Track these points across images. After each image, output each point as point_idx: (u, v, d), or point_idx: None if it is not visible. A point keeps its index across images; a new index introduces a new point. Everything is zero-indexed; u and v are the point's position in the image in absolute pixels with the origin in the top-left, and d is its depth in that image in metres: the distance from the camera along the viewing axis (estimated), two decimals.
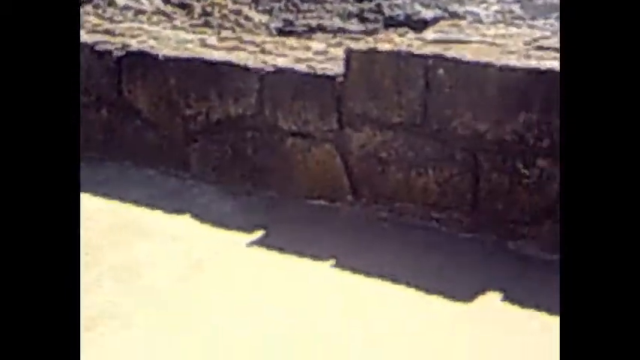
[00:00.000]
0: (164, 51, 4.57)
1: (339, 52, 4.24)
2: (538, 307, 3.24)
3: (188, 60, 4.49)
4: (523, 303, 3.27)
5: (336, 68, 4.12)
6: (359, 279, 3.50)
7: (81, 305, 3.27)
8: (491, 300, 3.32)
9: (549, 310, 3.20)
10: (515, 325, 3.17)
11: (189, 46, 4.63)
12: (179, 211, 4.14)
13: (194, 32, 4.76)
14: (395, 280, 3.46)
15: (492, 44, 3.93)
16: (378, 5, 4.95)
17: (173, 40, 4.69)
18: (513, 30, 4.31)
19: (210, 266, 3.66)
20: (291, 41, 4.57)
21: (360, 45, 4.14)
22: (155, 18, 5.15)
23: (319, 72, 4.14)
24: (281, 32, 4.70)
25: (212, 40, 4.68)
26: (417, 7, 5.05)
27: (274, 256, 3.71)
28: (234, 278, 3.57)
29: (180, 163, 4.52)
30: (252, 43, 4.61)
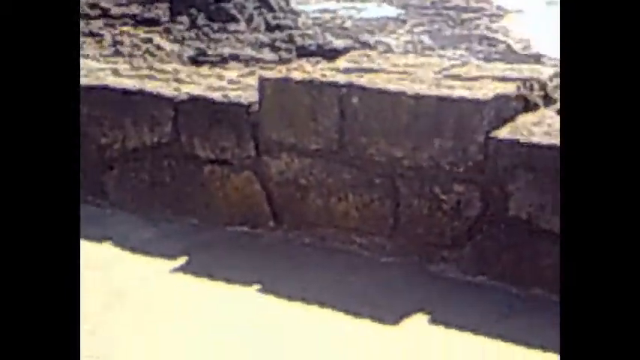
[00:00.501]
0: None
1: (253, 81, 4.30)
2: (464, 327, 3.31)
3: (100, 88, 4.48)
4: (449, 324, 3.35)
5: (250, 97, 4.20)
6: (284, 303, 3.54)
7: None
8: (418, 322, 3.39)
9: (475, 331, 3.28)
10: (440, 345, 3.25)
11: (101, 74, 4.62)
12: (99, 238, 4.11)
13: (105, 61, 4.77)
14: (320, 303, 3.51)
15: (403, 73, 4.05)
16: (290, 35, 5.02)
17: (84, 69, 4.68)
18: (423, 60, 4.46)
19: (134, 293, 3.65)
20: (205, 70, 4.62)
21: (274, 73, 4.22)
22: None
23: (234, 100, 4.20)
24: (194, 61, 4.74)
25: (124, 68, 4.70)
26: (329, 37, 5.14)
27: (198, 282, 3.72)
28: (159, 305, 3.57)
29: (98, 191, 4.51)
30: (165, 71, 4.63)
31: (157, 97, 4.33)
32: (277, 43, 4.97)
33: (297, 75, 4.07)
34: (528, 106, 3.80)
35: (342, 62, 4.25)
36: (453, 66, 4.18)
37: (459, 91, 3.75)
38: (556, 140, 3.46)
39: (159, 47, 4.92)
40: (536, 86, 3.85)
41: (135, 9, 5.93)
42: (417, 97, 3.77)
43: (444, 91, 3.76)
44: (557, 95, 3.86)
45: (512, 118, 3.71)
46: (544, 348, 3.14)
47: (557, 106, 3.78)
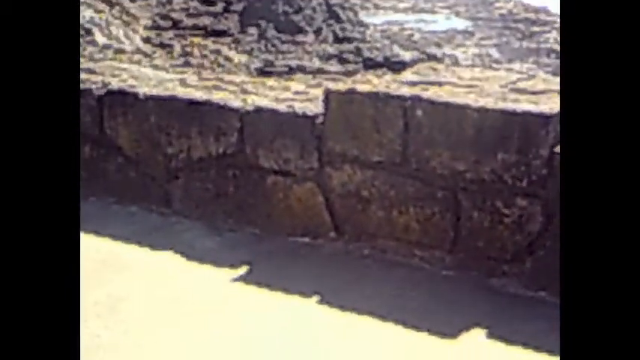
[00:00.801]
0: (144, 89, 4.64)
1: (319, 93, 4.32)
2: (524, 344, 3.29)
3: (168, 99, 4.55)
4: (508, 340, 3.33)
5: (315, 108, 4.22)
6: (345, 315, 3.55)
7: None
8: (476, 336, 3.38)
9: (535, 347, 3.26)
10: None
11: (170, 85, 4.70)
12: (163, 247, 4.18)
13: (174, 72, 4.83)
14: (379, 316, 3.51)
15: (469, 86, 4.03)
16: (357, 47, 5.04)
17: (153, 79, 4.76)
18: (490, 73, 4.44)
19: (193, 301, 3.69)
20: (271, 81, 4.65)
21: (339, 86, 4.23)
22: (135, 57, 5.21)
23: (299, 111, 4.23)
24: (261, 72, 4.78)
25: (192, 79, 4.76)
26: (396, 49, 5.15)
27: (258, 291, 3.75)
28: (218, 313, 3.60)
29: (163, 200, 4.58)
30: (232, 82, 4.68)
31: (224, 108, 4.38)
32: (344, 55, 4.99)
33: (362, 87, 4.08)
34: None
35: (408, 74, 4.26)
36: (519, 79, 4.15)
37: (525, 104, 3.73)
38: None
39: (227, 58, 4.98)
40: None
41: (205, 20, 6.00)
42: (482, 111, 3.75)
43: (510, 105, 3.74)
44: None
45: None
46: None
47: None
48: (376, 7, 9.89)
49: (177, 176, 4.54)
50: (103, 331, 3.47)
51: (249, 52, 4.97)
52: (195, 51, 5.06)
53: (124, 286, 3.83)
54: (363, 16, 7.35)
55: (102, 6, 5.22)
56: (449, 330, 3.41)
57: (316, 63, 4.81)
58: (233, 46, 5.09)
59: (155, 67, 4.97)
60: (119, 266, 4.01)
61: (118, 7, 5.29)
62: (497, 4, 9.84)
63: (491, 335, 3.38)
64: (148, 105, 4.56)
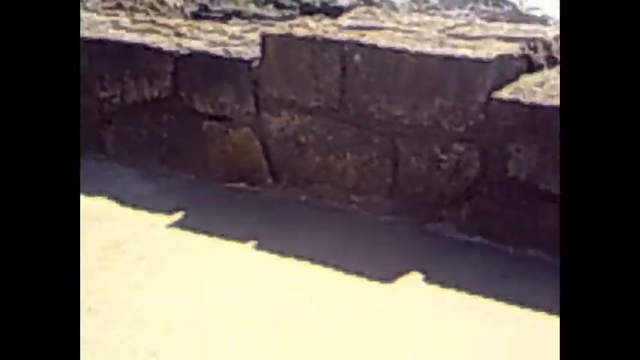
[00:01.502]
0: None
1: (255, 37, 4.26)
2: (459, 287, 3.31)
3: (101, 41, 4.45)
4: (445, 284, 3.34)
5: (251, 52, 4.16)
6: (282, 260, 3.54)
7: None
8: (414, 281, 3.39)
9: (470, 290, 3.28)
10: (436, 304, 3.24)
11: (102, 27, 4.59)
12: (96, 192, 4.11)
13: (106, 14, 4.73)
14: (316, 261, 3.50)
15: (407, 31, 4.01)
16: None
17: (85, 21, 4.64)
18: (428, 18, 4.41)
19: (130, 247, 3.65)
20: (207, 25, 4.58)
21: (276, 29, 4.18)
22: None
23: (235, 55, 4.17)
24: (196, 17, 4.70)
25: (125, 21, 4.66)
26: None
27: (195, 237, 3.72)
28: (155, 259, 3.56)
29: (96, 145, 4.50)
30: (166, 25, 4.59)
31: (158, 52, 4.30)
32: (281, 0, 4.92)
33: (299, 31, 4.03)
34: (532, 67, 3.76)
35: (345, 19, 4.21)
36: (457, 25, 4.13)
37: (463, 50, 3.71)
38: (558, 101, 3.42)
39: (161, 1, 4.88)
40: (540, 47, 3.81)
41: None
42: (420, 56, 3.73)
43: (447, 50, 3.72)
44: None
45: (514, 79, 3.67)
46: (537, 308, 3.15)
47: None
48: None
49: (111, 121, 4.46)
50: None
51: None
52: None
53: None
54: None
55: None
56: (387, 275, 3.41)
57: (252, 8, 4.75)
58: None
59: (86, 9, 4.86)
60: None
61: None
62: None
63: (429, 279, 3.39)
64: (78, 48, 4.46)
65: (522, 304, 3.19)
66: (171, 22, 4.63)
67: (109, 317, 3.16)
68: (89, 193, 4.07)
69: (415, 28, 4.03)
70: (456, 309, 3.21)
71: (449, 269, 3.45)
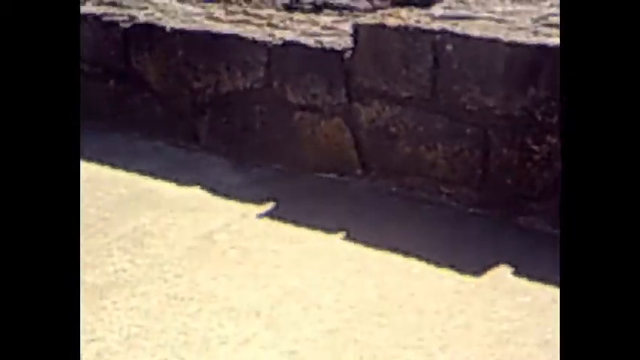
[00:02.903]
0: (171, 23, 4.60)
1: (347, 28, 4.26)
2: (547, 281, 3.27)
3: (195, 32, 4.51)
4: (533, 277, 3.31)
5: (343, 43, 4.15)
6: (370, 251, 3.54)
7: (91, 274, 3.38)
8: (502, 273, 3.36)
9: (558, 284, 3.20)
10: (525, 298, 3.20)
11: (197, 18, 4.65)
12: (189, 182, 4.18)
13: (201, 5, 4.79)
14: (405, 252, 3.50)
15: (500, 21, 3.96)
16: None
17: (180, 12, 4.71)
18: (521, 7, 4.35)
19: (221, 237, 3.69)
20: (299, 16, 4.59)
21: (368, 19, 4.17)
22: None
23: (327, 46, 4.17)
24: (288, 8, 4.72)
25: (219, 13, 4.71)
26: None
27: (285, 227, 3.75)
28: (245, 249, 3.60)
29: (189, 135, 4.57)
30: (259, 16, 4.63)
31: (251, 42, 4.33)
32: None
33: (391, 21, 4.01)
34: None
35: (437, 9, 4.18)
36: (551, 14, 4.07)
37: (556, 39, 3.65)
38: None
39: None
40: None
41: None
42: (513, 45, 3.68)
43: (541, 40, 3.66)
44: None
45: None
46: None
47: None
48: None
49: (204, 111, 4.52)
50: (127, 265, 3.49)
51: None
52: None
53: (150, 220, 3.83)
54: None
55: None
56: (474, 267, 3.39)
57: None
58: None
59: (182, 0, 4.93)
60: (145, 201, 4.01)
61: None
62: None
63: (517, 273, 3.36)
64: (174, 39, 4.52)
65: None
66: (264, 12, 4.66)
67: (200, 305, 3.21)
68: (182, 183, 4.17)
69: (508, 17, 3.99)
70: (542, 302, 3.17)
71: (537, 262, 3.40)
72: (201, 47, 4.47)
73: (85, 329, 3.06)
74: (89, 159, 4.33)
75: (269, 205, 3.95)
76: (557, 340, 2.95)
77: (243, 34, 4.38)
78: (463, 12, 4.09)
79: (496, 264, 3.42)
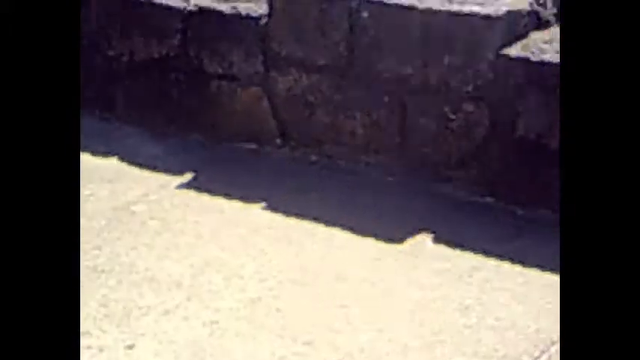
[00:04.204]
0: None
1: None
2: (467, 247, 3.33)
3: None
4: (452, 244, 3.36)
5: (260, 9, 4.13)
6: (291, 220, 3.55)
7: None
8: (422, 241, 3.40)
9: (477, 251, 3.30)
10: (444, 265, 3.25)
11: None
12: (106, 153, 4.13)
13: None
14: (326, 220, 3.52)
15: None
16: None
17: None
18: None
19: (139, 208, 3.67)
20: None
21: None
22: None
23: (243, 12, 4.14)
24: None
25: None
26: None
27: (205, 197, 3.74)
28: (164, 220, 3.58)
29: (105, 105, 4.50)
30: None
31: (165, 9, 4.28)
32: None
33: None
34: (540, 24, 3.73)
35: None
36: None
37: (471, 6, 3.68)
38: None
39: None
40: (549, 3, 3.78)
41: None
42: (428, 12, 3.71)
43: (456, 7, 3.69)
44: None
45: (523, 36, 3.65)
46: (544, 268, 3.17)
47: None
48: None
49: (120, 80, 4.46)
50: None
51: None
52: None
53: None
54: None
55: None
56: (395, 235, 3.43)
57: None
58: None
59: None
60: None
61: None
62: None
63: (437, 239, 3.41)
64: (88, 4, 4.44)
65: (529, 263, 3.21)
66: None
67: (120, 277, 3.19)
68: (99, 154, 4.11)
69: None
70: (462, 268, 3.23)
71: (457, 230, 3.46)
72: (115, 14, 4.40)
73: None
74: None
75: (188, 176, 3.92)
76: (477, 305, 3.06)
77: (157, 1, 4.32)
78: None
79: (416, 231, 3.46)
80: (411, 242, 3.40)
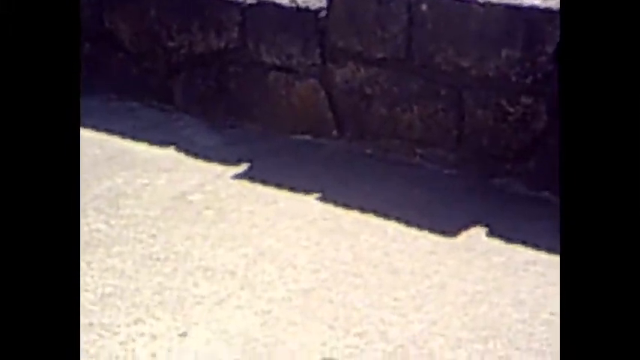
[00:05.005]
0: None
1: None
2: (522, 242, 3.29)
3: None
4: (507, 238, 3.33)
5: (318, 2, 4.13)
6: (345, 212, 3.55)
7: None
8: (476, 234, 3.37)
9: (533, 246, 3.26)
10: (499, 259, 3.22)
11: None
12: (164, 143, 4.17)
13: None
14: (380, 213, 3.51)
15: None
16: None
17: None
18: None
19: (195, 198, 3.69)
20: None
21: None
22: None
23: (302, 5, 4.15)
24: None
25: None
26: None
27: (260, 188, 3.75)
28: (220, 209, 3.60)
29: (164, 96, 4.54)
30: None
31: (225, 1, 4.30)
32: None
33: None
34: None
35: None
36: None
37: (530, 0, 3.65)
38: None
39: None
40: None
41: None
42: (487, 5, 3.68)
43: (516, 0, 3.66)
44: None
45: None
46: None
47: None
48: None
49: (179, 71, 4.49)
50: (102, 225, 3.48)
51: None
52: None
53: (125, 181, 3.82)
54: None
55: None
56: (450, 228, 3.41)
57: None
58: None
59: None
60: (120, 161, 4.00)
61: None
62: None
63: (492, 233, 3.38)
64: None
65: None
66: None
67: (175, 265, 3.21)
68: (157, 144, 4.16)
69: None
70: (517, 262, 3.20)
71: (512, 224, 3.43)
72: (175, 6, 4.44)
73: None
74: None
75: (244, 166, 3.94)
76: (531, 300, 3.03)
77: None
78: None
79: (471, 225, 3.44)
80: (465, 236, 3.38)
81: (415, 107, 3.90)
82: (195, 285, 3.11)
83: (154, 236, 3.41)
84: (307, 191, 3.71)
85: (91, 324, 2.91)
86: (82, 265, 3.21)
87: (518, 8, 3.62)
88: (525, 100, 3.64)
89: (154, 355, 2.78)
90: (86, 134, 4.21)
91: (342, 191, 3.70)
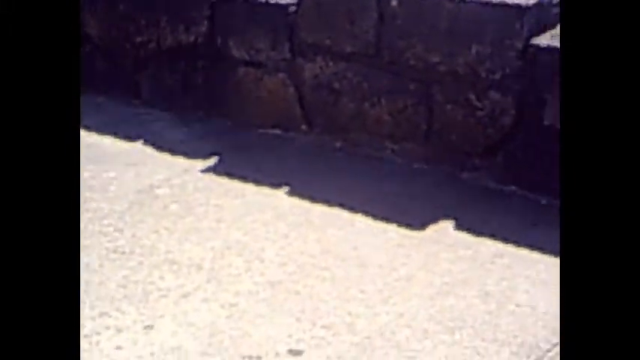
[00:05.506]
0: None
1: None
2: (490, 235, 3.30)
3: None
4: (475, 231, 3.34)
5: None
6: (314, 206, 3.54)
7: None
8: (444, 228, 3.38)
9: (501, 239, 3.27)
10: (466, 252, 3.23)
11: None
12: (131, 137, 4.15)
13: None
14: (348, 207, 3.51)
15: None
16: None
17: None
18: None
19: (162, 191, 3.67)
20: None
21: None
22: None
23: (271, 0, 4.15)
24: None
25: None
26: None
27: (228, 182, 3.73)
28: (187, 203, 3.58)
29: (132, 90, 4.52)
30: None
31: None
32: None
33: None
34: None
35: None
36: None
37: None
38: None
39: None
40: None
41: None
42: (457, 1, 3.68)
43: None
44: None
45: (553, 25, 3.62)
46: None
47: None
48: None
49: (146, 66, 4.47)
50: None
51: None
52: None
53: (92, 175, 3.79)
54: None
55: None
56: (418, 221, 3.41)
57: None
58: None
59: None
60: (87, 155, 3.93)
61: None
62: None
63: (459, 227, 3.39)
64: None
65: (551, 251, 3.16)
66: None
67: (141, 259, 3.19)
68: (124, 138, 4.13)
69: None
70: (484, 255, 3.20)
71: (480, 217, 3.43)
72: (144, 1, 4.42)
73: None
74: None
75: (212, 160, 3.93)
76: (497, 292, 3.03)
77: None
78: None
79: (439, 218, 3.44)
80: (433, 229, 3.38)
81: (384, 102, 3.90)
82: (162, 278, 3.09)
83: (120, 230, 3.38)
84: (276, 185, 3.70)
85: None
86: None
87: (487, 4, 3.63)
88: (494, 95, 3.64)
89: (119, 347, 2.75)
90: None
91: (310, 185, 3.69)
